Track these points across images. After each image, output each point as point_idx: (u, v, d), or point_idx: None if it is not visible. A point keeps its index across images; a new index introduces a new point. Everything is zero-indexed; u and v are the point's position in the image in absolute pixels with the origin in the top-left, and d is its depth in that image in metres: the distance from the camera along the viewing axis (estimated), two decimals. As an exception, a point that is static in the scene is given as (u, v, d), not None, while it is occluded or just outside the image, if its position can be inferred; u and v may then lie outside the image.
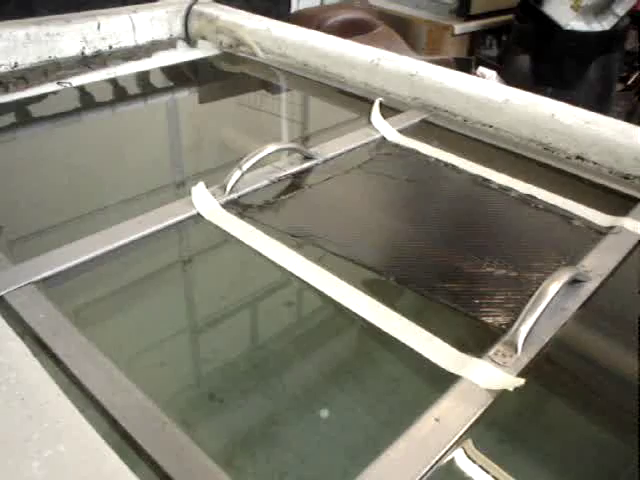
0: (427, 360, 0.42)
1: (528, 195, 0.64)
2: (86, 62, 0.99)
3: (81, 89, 0.93)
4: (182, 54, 1.10)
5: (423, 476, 0.34)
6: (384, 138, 0.76)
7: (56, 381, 0.36)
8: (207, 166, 0.79)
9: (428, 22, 2.08)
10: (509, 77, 1.70)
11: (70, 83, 0.93)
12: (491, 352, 0.42)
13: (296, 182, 0.66)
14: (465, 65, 1.78)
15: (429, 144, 0.74)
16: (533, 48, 1.82)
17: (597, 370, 0.47)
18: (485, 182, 0.67)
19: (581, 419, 0.44)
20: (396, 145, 0.75)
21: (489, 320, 0.46)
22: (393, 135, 0.76)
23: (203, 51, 1.11)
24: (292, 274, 0.50)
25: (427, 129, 0.80)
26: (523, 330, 0.42)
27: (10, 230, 0.59)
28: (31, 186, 0.67)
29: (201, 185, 0.59)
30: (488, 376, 0.40)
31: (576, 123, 0.71)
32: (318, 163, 0.69)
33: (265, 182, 0.64)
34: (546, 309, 0.43)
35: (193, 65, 1.08)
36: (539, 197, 0.64)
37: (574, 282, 0.48)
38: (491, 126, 0.79)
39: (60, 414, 0.34)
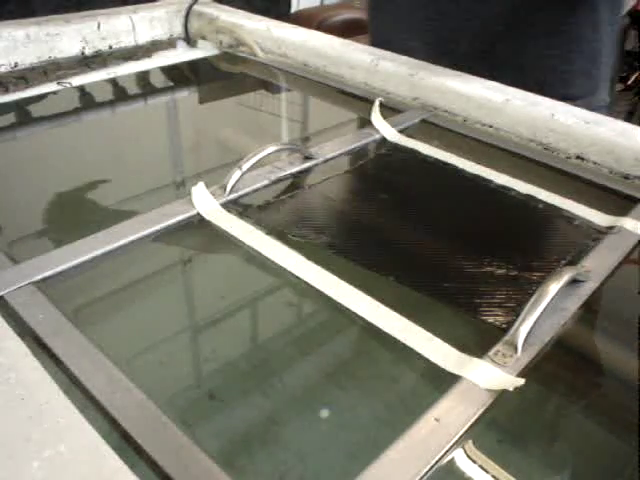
0: (427, 360, 0.42)
1: (528, 195, 0.64)
2: (86, 62, 0.99)
3: (81, 89, 0.93)
4: (182, 54, 1.10)
5: (423, 476, 0.34)
6: (384, 138, 0.76)
7: (56, 381, 0.36)
8: (207, 166, 0.79)
9: (428, 22, 2.07)
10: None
11: (70, 83, 0.93)
12: (491, 352, 0.42)
13: (296, 182, 0.66)
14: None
15: (429, 144, 0.74)
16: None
17: (597, 370, 0.47)
18: (485, 182, 0.67)
19: (581, 419, 0.44)
20: (396, 145, 0.75)
21: (489, 320, 0.46)
22: (393, 135, 0.76)
23: (203, 51, 1.11)
24: (292, 274, 0.50)
25: (427, 129, 0.80)
26: (523, 330, 0.42)
27: (10, 230, 0.59)
28: (31, 186, 0.67)
29: (201, 185, 0.59)
30: (488, 376, 0.40)
31: (576, 123, 0.71)
32: (318, 163, 0.69)
33: (265, 182, 0.64)
34: (546, 309, 0.43)
35: (193, 65, 1.08)
36: (539, 197, 0.64)
37: (574, 282, 0.48)
38: (491, 126, 0.79)
39: (60, 414, 0.34)
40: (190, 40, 1.14)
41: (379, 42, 1.00)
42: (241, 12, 1.14)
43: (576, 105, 0.75)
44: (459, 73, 0.84)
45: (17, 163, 0.73)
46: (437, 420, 0.37)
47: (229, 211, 0.58)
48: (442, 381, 0.40)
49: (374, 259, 0.53)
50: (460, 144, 0.75)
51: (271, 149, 0.63)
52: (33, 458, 0.31)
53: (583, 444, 0.41)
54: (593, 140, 0.70)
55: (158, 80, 1.03)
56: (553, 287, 0.43)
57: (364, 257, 0.53)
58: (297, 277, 0.50)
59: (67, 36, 0.98)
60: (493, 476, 0.36)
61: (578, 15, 0.85)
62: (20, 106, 0.86)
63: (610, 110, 0.92)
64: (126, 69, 1.01)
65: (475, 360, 0.41)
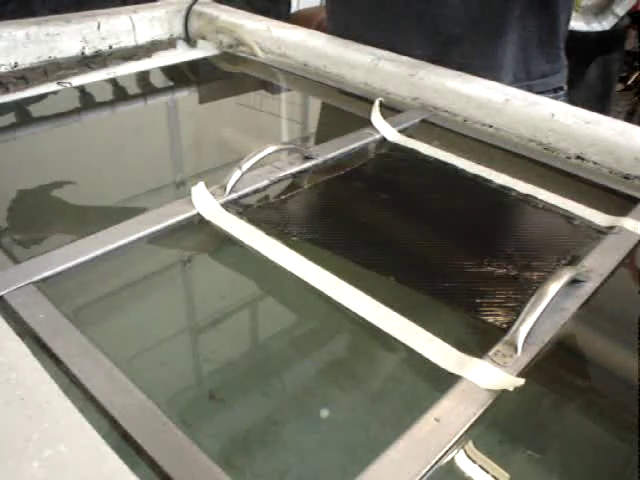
0: (427, 360, 0.42)
1: (528, 195, 0.64)
2: (86, 62, 0.99)
3: (81, 89, 0.93)
4: (182, 54, 1.10)
5: (423, 476, 0.34)
6: (384, 138, 0.76)
7: (56, 381, 0.36)
8: (207, 166, 0.79)
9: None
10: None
11: (70, 83, 0.93)
12: (491, 352, 0.42)
13: (296, 182, 0.66)
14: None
15: (429, 144, 0.74)
16: (533, 48, 1.81)
17: (597, 370, 0.47)
18: (485, 182, 0.67)
19: (581, 419, 0.44)
20: (396, 145, 0.75)
21: (489, 320, 0.46)
22: (393, 135, 0.76)
23: (203, 51, 1.11)
24: (292, 274, 0.50)
25: (427, 129, 0.80)
26: (523, 330, 0.42)
27: (10, 230, 0.59)
28: (31, 186, 0.67)
29: (201, 185, 0.59)
30: (488, 376, 0.40)
31: (576, 123, 0.71)
32: (318, 163, 0.69)
33: (265, 182, 0.64)
34: (546, 309, 0.43)
35: (193, 65, 1.08)
36: (539, 197, 0.64)
37: (574, 282, 0.48)
38: (491, 126, 0.79)
39: (60, 414, 0.34)
40: (190, 40, 1.14)
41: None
42: (241, 12, 1.14)
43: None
44: (459, 73, 0.84)
45: (17, 163, 0.73)
46: (437, 420, 0.37)
47: (229, 211, 0.58)
48: (442, 381, 0.40)
49: (374, 259, 0.53)
50: (460, 144, 0.75)
51: (271, 149, 0.63)
52: (33, 458, 0.31)
53: (583, 444, 0.41)
54: (593, 140, 0.70)
55: (158, 80, 1.03)
56: (553, 287, 0.43)
57: (364, 257, 0.53)
58: (297, 277, 0.50)
59: (67, 36, 0.98)
60: (493, 476, 0.36)
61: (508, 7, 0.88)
62: (20, 106, 0.86)
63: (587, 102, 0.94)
64: (126, 69, 1.01)
65: (475, 360, 0.41)
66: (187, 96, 1.01)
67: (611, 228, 0.58)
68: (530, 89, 0.85)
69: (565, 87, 0.98)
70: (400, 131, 0.77)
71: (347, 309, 0.46)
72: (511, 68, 0.92)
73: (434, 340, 0.43)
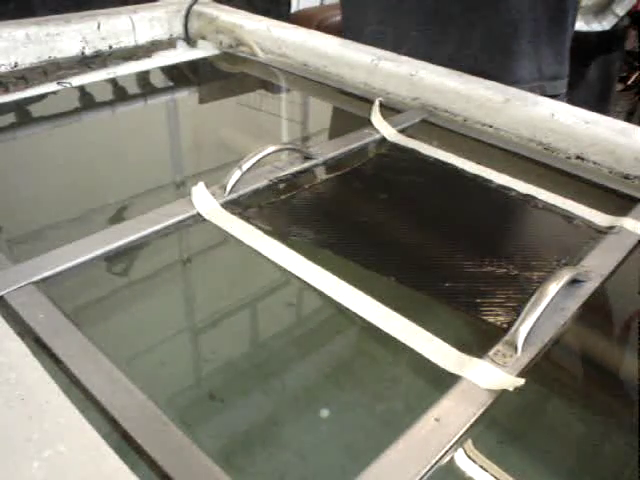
0: (427, 360, 0.42)
1: (528, 195, 0.64)
2: (86, 62, 0.99)
3: (81, 89, 0.93)
4: (182, 54, 1.10)
5: (423, 476, 0.34)
6: (384, 138, 0.76)
7: (56, 381, 0.36)
8: (207, 166, 0.79)
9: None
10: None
11: (70, 83, 0.93)
12: (491, 352, 0.42)
13: (296, 182, 0.66)
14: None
15: (429, 144, 0.74)
16: (533, 48, 1.81)
17: (597, 370, 0.47)
18: (485, 182, 0.67)
19: (581, 419, 0.44)
20: (396, 145, 0.75)
21: (490, 319, 0.46)
22: (393, 135, 0.76)
23: (203, 51, 1.11)
24: (292, 274, 0.50)
25: (427, 129, 0.80)
26: (523, 330, 0.42)
27: (10, 230, 0.59)
28: (31, 186, 0.67)
29: (201, 185, 0.59)
30: (488, 376, 0.40)
31: (576, 123, 0.71)
32: (318, 163, 0.69)
33: (265, 182, 0.64)
34: (546, 309, 0.43)
35: (193, 65, 1.08)
36: (539, 197, 0.64)
37: (574, 282, 0.48)
38: (491, 126, 0.79)
39: (60, 414, 0.34)
40: (190, 40, 1.14)
41: (351, 29, 1.00)
42: (241, 12, 1.14)
43: (523, 88, 0.79)
44: (459, 73, 0.84)
45: (17, 163, 0.73)
46: (437, 420, 0.37)
47: (229, 211, 0.58)
48: (442, 381, 0.40)
49: (374, 259, 0.53)
50: (460, 144, 0.75)
51: (271, 149, 0.63)
52: (33, 458, 0.31)
53: (583, 444, 0.41)
54: (593, 140, 0.70)
55: (158, 80, 1.03)
56: (553, 287, 0.43)
57: (364, 257, 0.53)
58: (297, 277, 0.50)
59: (67, 36, 0.98)
60: (493, 476, 0.36)
61: None
62: (20, 106, 0.86)
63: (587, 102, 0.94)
64: (126, 69, 1.01)
65: (475, 360, 0.41)
66: (187, 96, 1.01)
67: (611, 228, 0.58)
68: (544, 90, 0.85)
69: (565, 89, 0.98)
70: (400, 131, 0.77)
71: (347, 309, 0.46)
72: (524, 59, 0.90)
73: (434, 340, 0.43)
